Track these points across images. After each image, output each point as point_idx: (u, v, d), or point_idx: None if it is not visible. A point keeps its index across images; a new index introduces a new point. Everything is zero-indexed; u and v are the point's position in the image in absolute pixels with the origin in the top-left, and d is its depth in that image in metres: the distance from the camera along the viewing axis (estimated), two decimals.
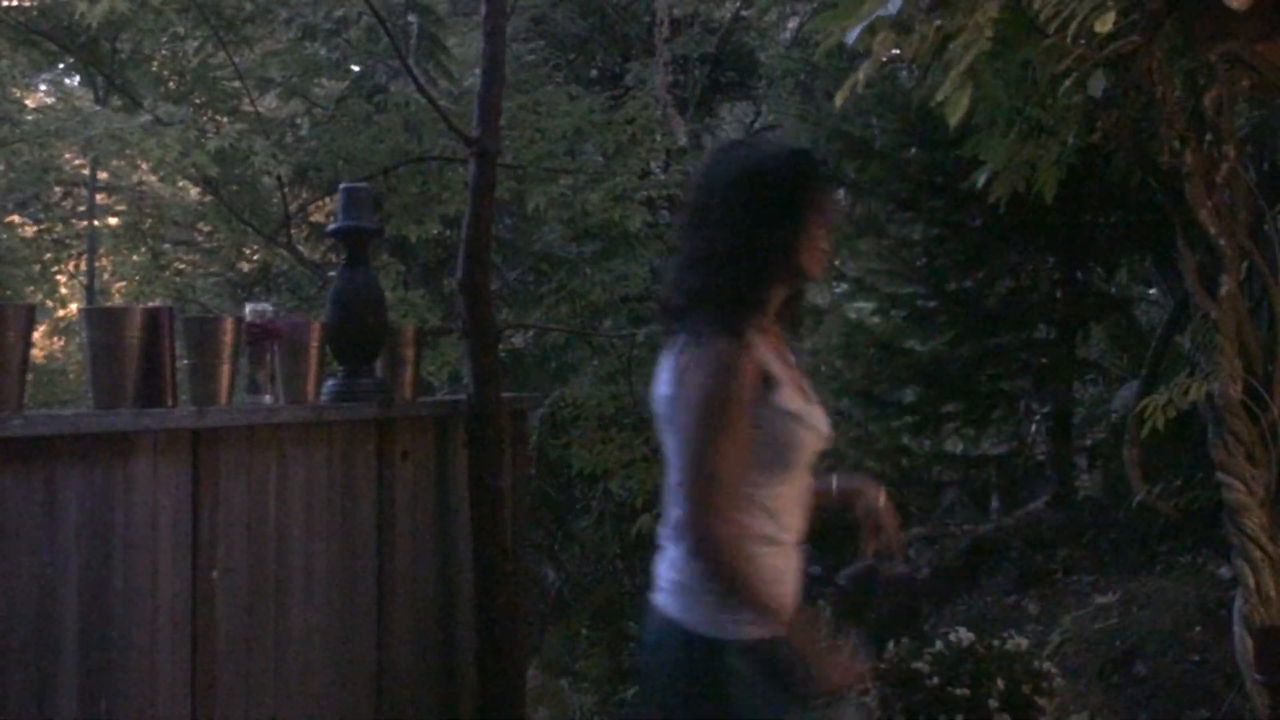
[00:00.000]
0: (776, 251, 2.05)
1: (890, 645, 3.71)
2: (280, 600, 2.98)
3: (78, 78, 10.76)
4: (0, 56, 8.21)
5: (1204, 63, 3.21)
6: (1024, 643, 3.61)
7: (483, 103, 3.60)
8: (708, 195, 2.10)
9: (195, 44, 8.36)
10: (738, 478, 1.97)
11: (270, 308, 3.27)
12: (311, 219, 9.16)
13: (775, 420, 2.01)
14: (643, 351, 5.98)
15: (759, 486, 2.03)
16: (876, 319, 6.84)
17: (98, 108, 8.60)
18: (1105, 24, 2.71)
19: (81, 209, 11.94)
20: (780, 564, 2.08)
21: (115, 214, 12.10)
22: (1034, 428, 6.75)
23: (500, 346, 4.30)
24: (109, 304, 11.10)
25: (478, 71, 3.71)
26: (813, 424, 2.08)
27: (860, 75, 2.94)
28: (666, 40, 9.35)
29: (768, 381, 2.01)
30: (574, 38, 9.68)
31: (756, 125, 10.84)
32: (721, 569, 1.97)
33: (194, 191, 10.26)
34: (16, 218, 11.55)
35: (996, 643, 3.56)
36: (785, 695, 2.02)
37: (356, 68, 8.52)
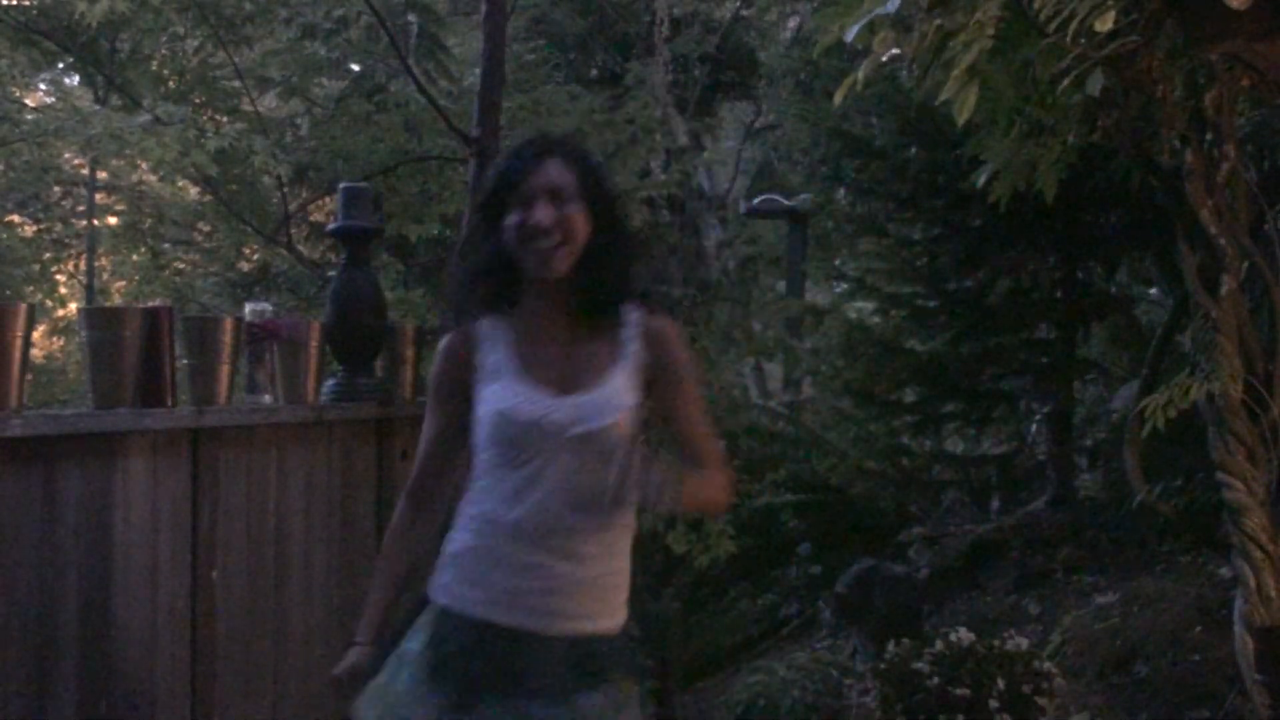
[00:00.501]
0: (478, 247, 2.14)
1: (890, 645, 3.71)
2: (280, 600, 2.98)
3: (78, 77, 10.75)
4: (0, 56, 8.20)
5: (1204, 63, 3.21)
6: (1024, 643, 3.61)
7: (483, 102, 3.61)
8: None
9: (195, 44, 8.36)
10: (426, 457, 2.23)
11: (270, 308, 3.28)
12: (311, 219, 9.16)
13: (482, 408, 2.08)
14: None
15: (482, 469, 2.11)
16: (876, 319, 6.84)
17: (97, 107, 8.58)
18: (1105, 23, 2.71)
19: (81, 209, 11.93)
20: (493, 545, 2.07)
21: (115, 214, 12.09)
22: (1034, 428, 6.75)
23: None
24: (108, 304, 11.10)
25: (478, 71, 3.71)
26: (527, 418, 2.02)
27: (860, 74, 2.94)
28: (666, 40, 9.35)
29: (478, 371, 2.10)
30: (574, 37, 9.67)
31: (756, 125, 10.85)
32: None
33: (194, 191, 10.26)
34: (16, 217, 11.55)
35: (996, 643, 3.56)
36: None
37: (356, 67, 8.52)
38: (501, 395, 2.05)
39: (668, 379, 2.14)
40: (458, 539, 2.12)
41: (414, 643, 2.11)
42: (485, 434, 2.07)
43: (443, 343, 2.18)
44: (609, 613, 2.10)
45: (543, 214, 2.04)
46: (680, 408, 2.17)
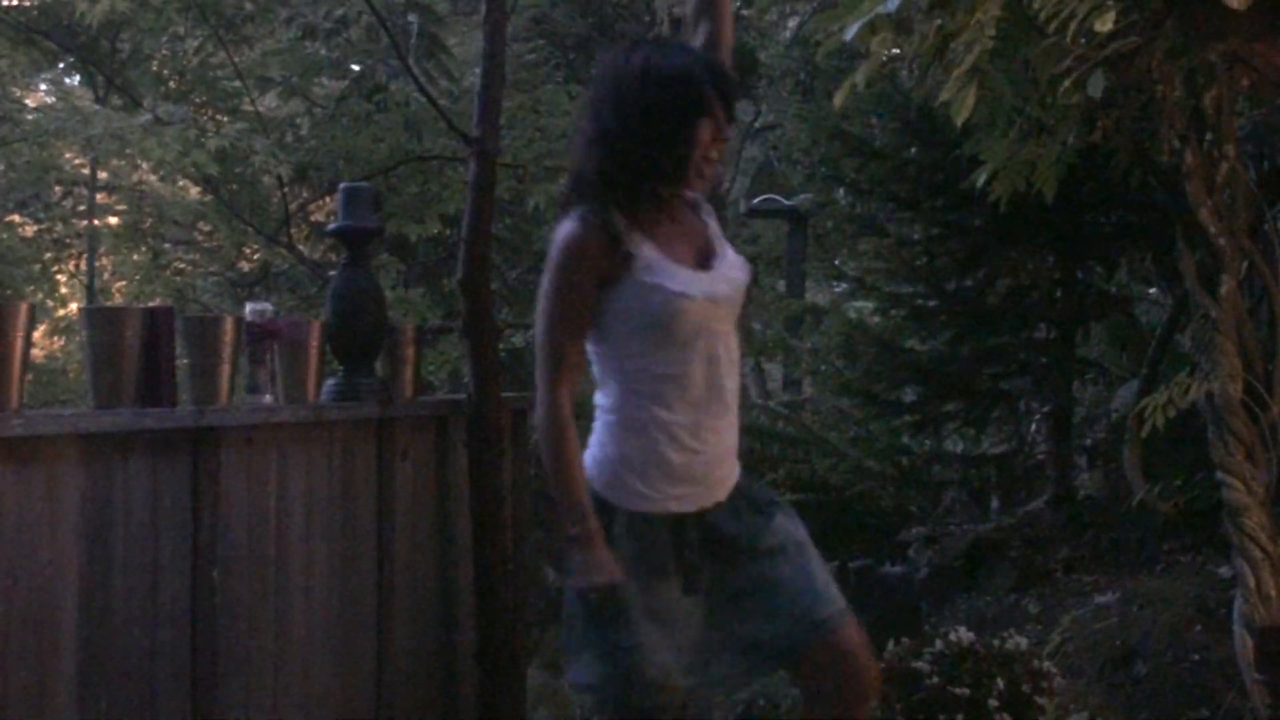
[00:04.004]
0: (652, 146, 2.16)
1: (890, 645, 3.71)
2: (280, 600, 2.98)
3: (78, 77, 10.76)
4: (0, 56, 8.21)
5: (1204, 62, 3.22)
6: (1024, 642, 3.60)
7: (483, 102, 3.60)
8: (606, 86, 2.23)
9: (195, 43, 8.37)
10: (576, 350, 2.18)
11: (270, 307, 3.27)
12: (311, 219, 9.17)
13: (638, 294, 2.15)
14: None
15: (636, 358, 2.19)
16: (876, 319, 6.83)
17: (98, 107, 8.59)
18: (1105, 23, 2.71)
19: (81, 208, 11.93)
20: (665, 451, 2.19)
21: (115, 213, 12.10)
22: (1034, 427, 6.75)
23: (500, 346, 4.30)
24: (109, 303, 11.10)
25: (478, 71, 3.71)
26: (689, 292, 2.17)
27: (860, 75, 2.94)
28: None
29: (626, 258, 2.14)
30: (574, 37, 9.68)
31: (756, 125, 10.84)
32: (543, 444, 2.17)
33: (194, 191, 10.26)
34: (16, 217, 11.55)
35: (996, 642, 3.56)
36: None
37: (356, 67, 8.53)
38: (660, 270, 2.17)
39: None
40: (634, 441, 2.21)
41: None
42: (649, 321, 2.17)
43: (574, 235, 2.17)
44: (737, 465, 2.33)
45: (722, 147, 2.22)
46: None
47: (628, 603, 2.10)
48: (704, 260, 2.25)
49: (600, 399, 2.27)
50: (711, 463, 2.24)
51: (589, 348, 2.24)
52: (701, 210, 2.33)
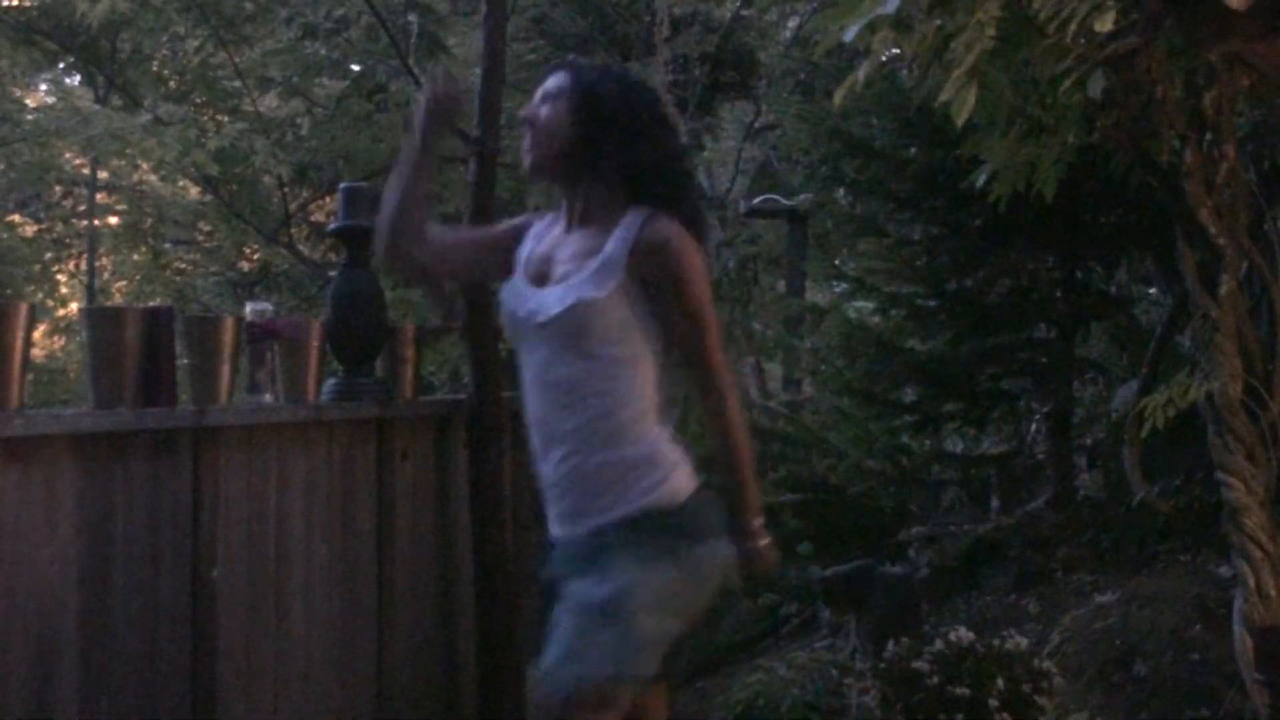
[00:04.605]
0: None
1: (890, 645, 3.71)
2: (280, 600, 2.99)
3: (78, 77, 10.75)
4: (0, 56, 8.21)
5: (1204, 63, 3.21)
6: (1024, 642, 3.60)
7: (483, 102, 3.60)
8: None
9: (195, 43, 8.36)
10: (462, 233, 2.51)
11: (270, 307, 3.28)
12: (311, 218, 9.17)
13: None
14: None
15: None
16: (876, 319, 6.82)
17: (98, 107, 8.59)
18: (1105, 24, 2.71)
19: (82, 208, 11.93)
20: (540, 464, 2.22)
21: (115, 213, 12.09)
22: (1034, 427, 6.75)
23: (500, 346, 4.30)
24: (109, 304, 11.10)
25: (478, 71, 3.71)
26: (507, 302, 2.22)
27: (860, 75, 2.94)
28: (666, 39, 9.34)
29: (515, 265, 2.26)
30: (574, 37, 9.67)
31: (756, 125, 10.84)
32: (741, 436, 2.27)
33: (194, 191, 10.27)
34: (17, 217, 11.55)
35: (996, 642, 3.56)
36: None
37: (356, 67, 8.52)
38: (506, 289, 2.23)
39: (664, 290, 2.15)
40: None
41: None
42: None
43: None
44: (624, 499, 2.13)
45: (530, 111, 2.20)
46: (679, 325, 2.17)
47: None
48: (543, 279, 2.19)
49: None
50: (554, 493, 2.19)
51: None
52: (614, 232, 2.17)
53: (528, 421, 2.21)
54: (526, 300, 2.18)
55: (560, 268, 2.18)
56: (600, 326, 2.10)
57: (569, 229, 2.23)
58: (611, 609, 2.04)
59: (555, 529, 2.21)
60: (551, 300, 2.14)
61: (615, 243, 2.14)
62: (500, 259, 2.29)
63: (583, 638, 2.06)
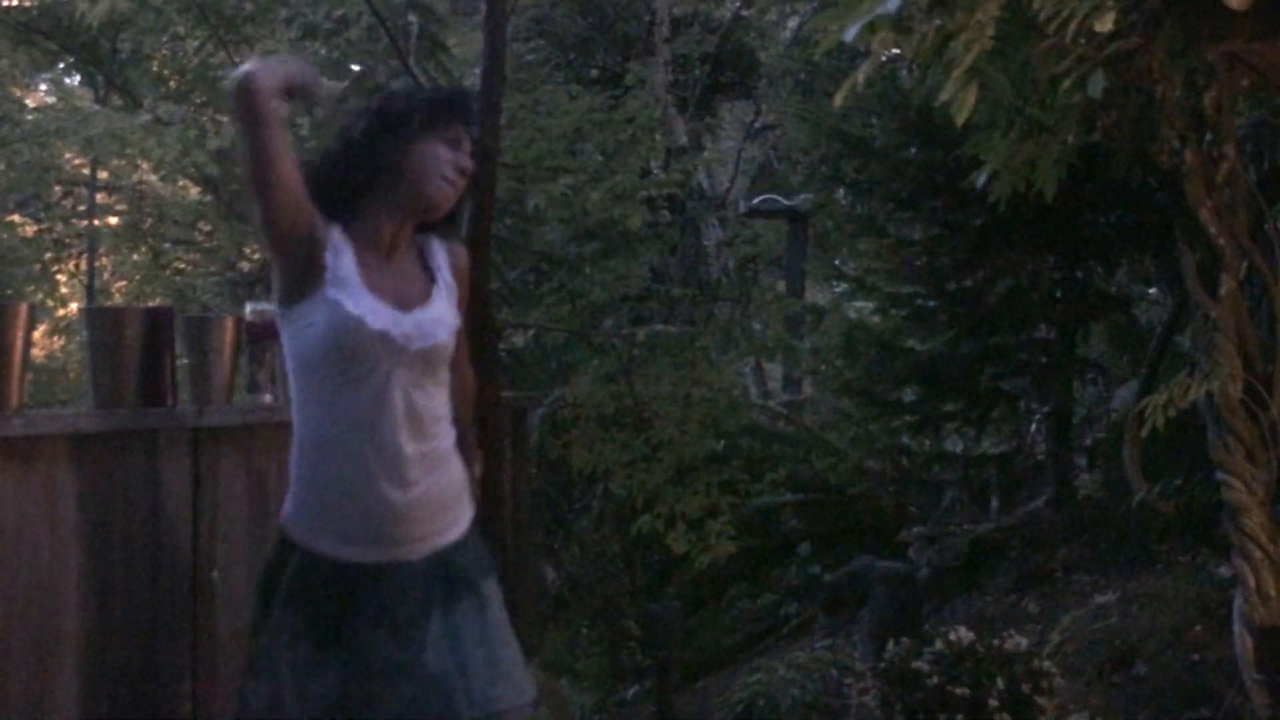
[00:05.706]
0: (371, 153, 2.14)
1: (890, 645, 3.71)
2: None
3: (78, 77, 10.75)
4: (0, 56, 8.21)
5: (1204, 62, 3.21)
6: (1024, 642, 3.60)
7: (483, 102, 3.60)
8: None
9: (195, 43, 8.36)
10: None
11: (270, 307, 3.27)
12: None
13: (330, 312, 2.09)
14: (643, 351, 5.98)
15: (316, 387, 2.18)
16: (876, 318, 6.83)
17: (98, 107, 8.60)
18: (1105, 24, 2.71)
19: (82, 208, 11.93)
20: (344, 473, 2.15)
21: (115, 213, 12.10)
22: (1034, 427, 6.75)
23: (500, 346, 4.30)
24: (109, 303, 11.10)
25: (478, 71, 3.71)
26: (379, 328, 2.08)
27: (860, 75, 2.94)
28: (666, 40, 9.34)
29: (325, 271, 2.08)
30: (574, 37, 9.67)
31: (756, 125, 10.85)
32: None
33: (194, 191, 10.27)
34: (17, 217, 11.55)
35: (996, 642, 3.56)
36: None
37: (357, 67, 8.51)
38: (351, 303, 2.09)
39: (460, 309, 2.28)
40: (307, 465, 2.22)
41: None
42: (328, 342, 2.10)
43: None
44: (456, 521, 2.25)
45: (467, 163, 2.20)
46: (459, 339, 2.28)
47: None
48: (405, 302, 2.14)
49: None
50: (390, 517, 2.16)
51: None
52: (434, 257, 2.25)
53: (358, 446, 2.13)
54: (399, 322, 2.11)
55: (412, 290, 2.18)
56: (451, 352, 2.21)
57: (385, 248, 2.18)
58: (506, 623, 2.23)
59: (373, 554, 2.13)
60: (431, 325, 2.15)
61: (442, 269, 2.25)
62: (304, 221, 2.09)
63: (508, 654, 2.21)
